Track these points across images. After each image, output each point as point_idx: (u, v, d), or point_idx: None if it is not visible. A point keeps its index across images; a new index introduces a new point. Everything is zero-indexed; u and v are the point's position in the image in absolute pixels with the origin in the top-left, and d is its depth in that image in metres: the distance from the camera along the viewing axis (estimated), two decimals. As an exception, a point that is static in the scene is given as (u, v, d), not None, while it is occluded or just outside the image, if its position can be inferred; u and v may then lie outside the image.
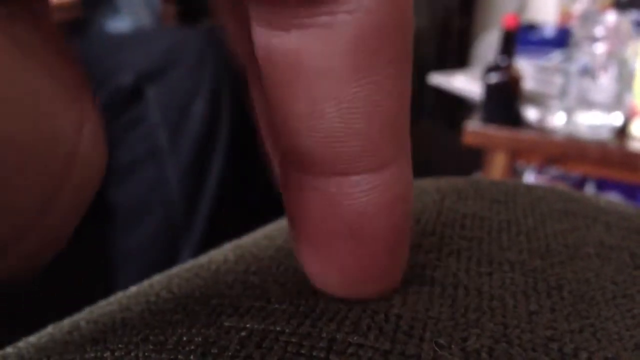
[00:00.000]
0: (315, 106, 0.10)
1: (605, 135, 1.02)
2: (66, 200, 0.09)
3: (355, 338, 0.11)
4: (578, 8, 1.37)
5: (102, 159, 0.09)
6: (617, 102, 1.03)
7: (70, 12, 1.24)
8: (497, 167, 1.08)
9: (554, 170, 1.27)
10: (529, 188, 0.19)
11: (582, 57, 1.04)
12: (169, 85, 1.19)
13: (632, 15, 1.12)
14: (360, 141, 0.11)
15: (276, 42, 0.10)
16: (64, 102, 0.08)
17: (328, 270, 0.12)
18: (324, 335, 0.11)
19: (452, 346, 0.11)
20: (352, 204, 0.11)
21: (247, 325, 0.12)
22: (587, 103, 1.03)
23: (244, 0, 0.10)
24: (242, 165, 1.22)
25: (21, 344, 0.14)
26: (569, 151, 1.03)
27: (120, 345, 0.12)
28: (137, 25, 1.32)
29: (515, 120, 1.07)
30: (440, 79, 1.42)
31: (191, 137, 1.21)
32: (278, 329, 0.11)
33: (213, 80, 1.18)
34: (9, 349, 0.14)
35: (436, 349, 0.11)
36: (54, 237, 0.09)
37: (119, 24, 1.32)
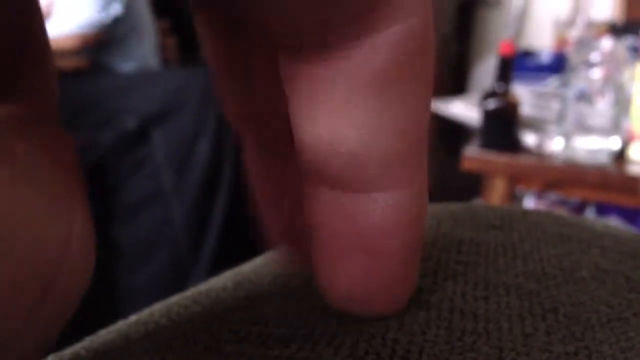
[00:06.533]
0: (336, 133, 0.11)
1: (603, 159, 1.03)
2: (49, 310, 0.08)
3: (352, 362, 0.11)
4: (574, 34, 1.39)
5: (89, 267, 0.09)
6: (615, 126, 1.03)
7: (78, 60, 1.25)
8: (496, 192, 1.08)
9: (554, 195, 1.27)
10: (525, 213, 0.19)
11: (578, 83, 1.05)
12: (174, 127, 1.21)
13: (628, 40, 1.13)
14: (379, 164, 0.11)
15: (297, 73, 0.10)
16: (51, 215, 0.08)
17: (337, 280, 0.12)
18: None
19: (449, 369, 0.11)
20: (369, 220, 0.11)
21: (246, 351, 0.12)
22: (584, 128, 1.04)
23: (267, 35, 0.10)
24: (246, 202, 1.23)
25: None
26: (568, 176, 1.03)
27: (120, 372, 0.12)
28: (143, 66, 1.34)
29: (513, 145, 1.08)
30: (439, 106, 1.43)
31: (195, 177, 1.22)
32: (277, 353, 0.12)
33: (216, 120, 1.20)
34: None
35: (432, 372, 0.11)
36: (37, 344, 0.09)
37: (129, 66, 1.34)
